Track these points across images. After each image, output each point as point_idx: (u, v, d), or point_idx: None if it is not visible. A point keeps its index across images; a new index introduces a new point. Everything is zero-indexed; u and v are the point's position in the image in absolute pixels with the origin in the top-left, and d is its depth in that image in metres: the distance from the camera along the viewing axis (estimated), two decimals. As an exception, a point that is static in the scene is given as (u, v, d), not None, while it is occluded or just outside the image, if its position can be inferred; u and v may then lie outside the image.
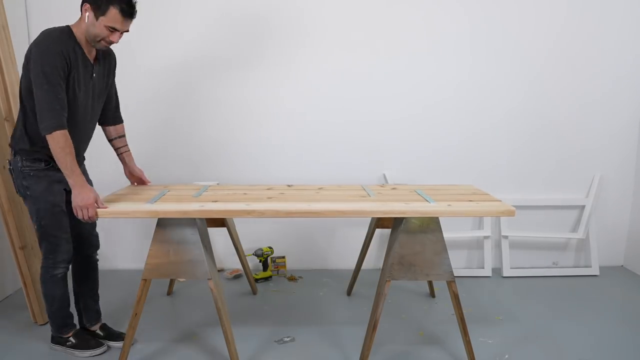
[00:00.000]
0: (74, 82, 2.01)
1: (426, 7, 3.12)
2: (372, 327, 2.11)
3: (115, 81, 2.36)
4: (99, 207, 1.99)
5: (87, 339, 2.28)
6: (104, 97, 2.25)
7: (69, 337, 2.27)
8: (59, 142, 1.92)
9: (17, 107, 2.74)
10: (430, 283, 2.95)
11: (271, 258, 3.30)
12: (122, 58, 3.09)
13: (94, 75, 2.12)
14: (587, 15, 3.17)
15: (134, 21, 2.04)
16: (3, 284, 2.85)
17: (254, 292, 2.98)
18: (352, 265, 2.99)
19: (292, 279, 3.21)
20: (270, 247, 3.21)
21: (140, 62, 3.13)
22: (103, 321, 2.40)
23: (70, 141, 1.95)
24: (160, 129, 3.21)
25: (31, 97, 1.97)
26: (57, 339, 2.28)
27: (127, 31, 2.06)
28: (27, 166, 2.05)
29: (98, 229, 2.32)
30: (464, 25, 3.14)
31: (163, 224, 2.06)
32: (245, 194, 2.34)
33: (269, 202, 2.15)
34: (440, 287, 2.97)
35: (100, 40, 2.01)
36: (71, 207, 2.00)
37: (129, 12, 2.00)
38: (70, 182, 1.97)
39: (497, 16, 3.15)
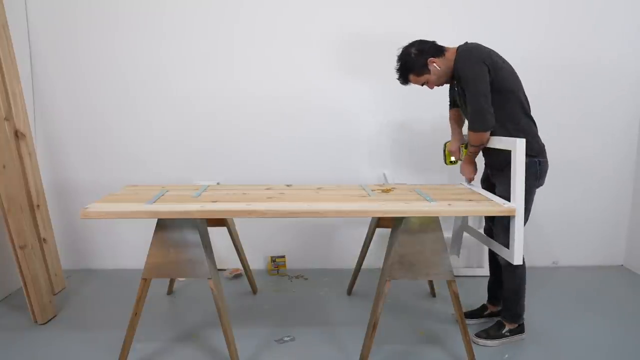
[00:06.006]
0: None
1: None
2: (372, 326, 2.11)
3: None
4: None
5: None
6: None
7: None
8: None
9: (18, 106, 2.75)
10: (430, 283, 2.96)
11: (271, 257, 3.30)
12: (121, 59, 3.13)
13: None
14: (586, 15, 3.18)
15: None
16: (3, 284, 2.85)
17: (254, 292, 2.98)
18: (352, 265, 2.99)
19: (299, 277, 3.23)
20: None
21: (138, 61, 3.14)
22: None
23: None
24: (158, 129, 3.21)
25: None
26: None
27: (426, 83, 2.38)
28: None
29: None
30: (465, 28, 3.14)
31: (163, 224, 2.06)
32: (244, 193, 2.34)
33: (269, 202, 2.15)
34: (440, 287, 2.97)
35: None
36: None
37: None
38: None
39: (496, 17, 3.16)
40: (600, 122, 3.30)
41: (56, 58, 3.11)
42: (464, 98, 2.30)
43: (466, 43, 2.31)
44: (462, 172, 2.56)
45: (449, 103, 2.64)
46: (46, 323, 2.55)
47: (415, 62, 2.31)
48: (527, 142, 2.09)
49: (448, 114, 2.63)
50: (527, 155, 2.09)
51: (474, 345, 2.24)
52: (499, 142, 2.21)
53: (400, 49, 2.36)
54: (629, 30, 3.20)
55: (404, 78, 2.38)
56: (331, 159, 3.27)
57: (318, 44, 3.16)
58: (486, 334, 2.40)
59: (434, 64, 2.30)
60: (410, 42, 2.36)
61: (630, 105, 3.30)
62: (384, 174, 3.25)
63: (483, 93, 2.17)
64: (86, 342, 2.37)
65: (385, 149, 3.28)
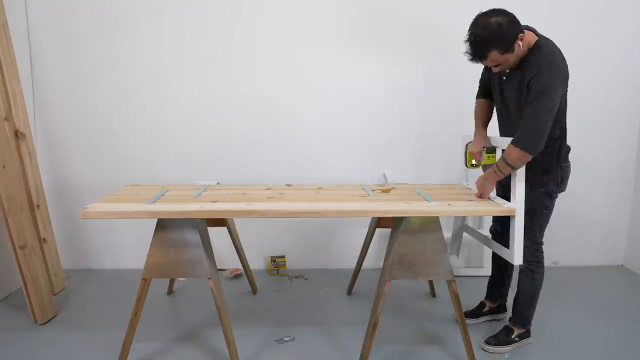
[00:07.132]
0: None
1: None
2: (372, 326, 2.11)
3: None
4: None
5: None
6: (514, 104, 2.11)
7: None
8: None
9: (18, 106, 2.75)
10: (430, 283, 2.96)
11: (271, 257, 3.30)
12: (121, 59, 3.13)
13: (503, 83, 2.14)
14: (586, 15, 3.17)
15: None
16: (3, 284, 2.85)
17: (254, 292, 2.98)
18: (352, 265, 2.99)
19: (299, 277, 3.23)
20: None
21: (139, 61, 3.13)
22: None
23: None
24: (159, 129, 3.21)
25: None
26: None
27: (497, 65, 1.99)
28: None
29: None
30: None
31: (163, 224, 2.06)
32: (244, 193, 2.34)
33: (269, 202, 2.15)
34: (440, 287, 2.97)
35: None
36: None
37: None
38: None
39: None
40: (601, 122, 3.30)
41: (56, 58, 3.11)
42: (516, 95, 2.03)
43: (547, 39, 1.99)
44: (477, 186, 2.21)
45: (478, 90, 2.39)
46: (46, 323, 2.55)
47: (507, 34, 1.86)
48: (559, 149, 2.11)
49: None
50: (557, 161, 2.12)
51: (474, 346, 2.23)
52: (499, 143, 2.21)
53: (479, 18, 1.92)
54: (628, 31, 3.20)
55: (483, 53, 1.91)
56: (331, 159, 3.27)
57: (318, 45, 3.16)
58: (496, 340, 2.34)
59: (520, 43, 1.90)
60: (489, 10, 1.91)
61: (631, 104, 3.29)
62: (384, 174, 3.25)
63: (550, 115, 1.89)
64: (86, 342, 2.37)
65: (385, 149, 3.28)
